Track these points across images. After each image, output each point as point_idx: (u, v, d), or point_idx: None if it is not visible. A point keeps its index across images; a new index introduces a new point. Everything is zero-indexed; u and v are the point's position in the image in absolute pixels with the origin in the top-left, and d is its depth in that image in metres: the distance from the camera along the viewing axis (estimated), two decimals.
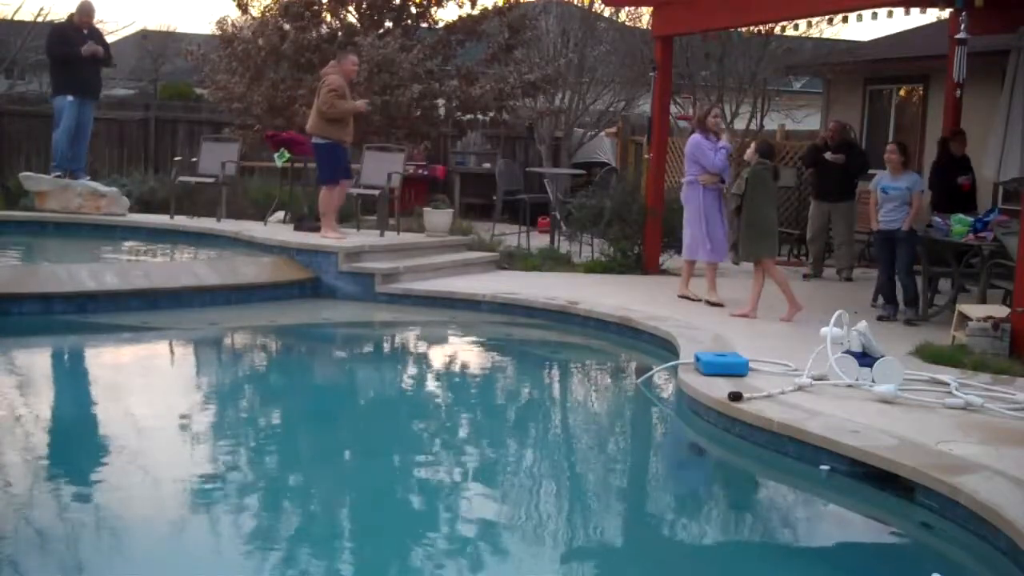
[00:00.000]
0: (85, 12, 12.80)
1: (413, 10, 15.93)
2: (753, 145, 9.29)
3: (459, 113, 15.73)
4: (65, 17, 13.58)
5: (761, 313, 9.38)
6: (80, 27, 12.79)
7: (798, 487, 5.82)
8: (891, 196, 9.09)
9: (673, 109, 14.39)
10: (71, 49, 12.48)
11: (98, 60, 12.74)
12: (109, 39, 13.80)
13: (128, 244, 11.99)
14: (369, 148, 12.38)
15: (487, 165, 17.26)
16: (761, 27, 14.65)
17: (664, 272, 11.85)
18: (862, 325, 6.81)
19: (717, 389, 6.46)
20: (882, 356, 6.65)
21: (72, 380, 7.90)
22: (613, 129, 18.68)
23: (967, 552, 4.68)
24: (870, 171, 12.60)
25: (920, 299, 9.17)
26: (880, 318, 8.90)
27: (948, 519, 4.85)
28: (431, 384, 8.18)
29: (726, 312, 9.35)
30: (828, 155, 11.72)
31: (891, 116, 15.16)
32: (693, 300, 9.80)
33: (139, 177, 15.06)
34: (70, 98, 12.60)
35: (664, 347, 8.20)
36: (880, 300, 9.43)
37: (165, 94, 21.94)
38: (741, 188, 9.06)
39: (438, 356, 9.29)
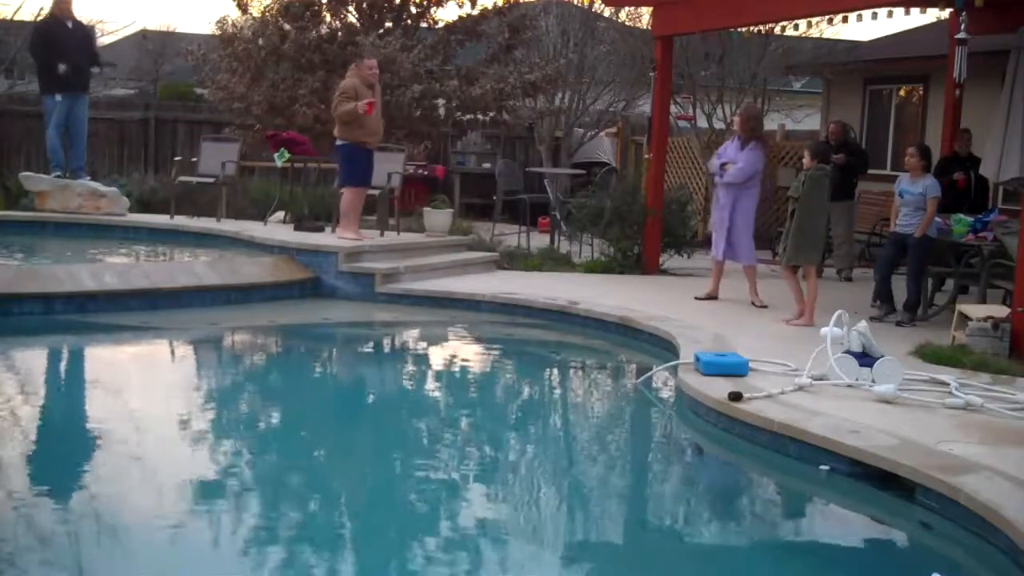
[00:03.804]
0: (62, 3, 12.63)
1: (413, 10, 15.95)
2: (807, 151, 9.01)
3: (459, 113, 15.73)
4: (47, 13, 13.39)
5: (765, 313, 9.40)
6: (62, 20, 12.64)
7: (798, 487, 5.83)
8: (907, 200, 9.00)
9: (673, 109, 14.38)
10: (49, 56, 12.37)
11: (83, 57, 12.63)
12: (109, 39, 13.79)
13: (128, 244, 11.98)
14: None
15: (487, 165, 17.27)
16: (761, 27, 14.65)
17: (664, 272, 11.86)
18: (862, 325, 6.81)
19: (717, 389, 6.46)
20: (882, 356, 6.65)
21: (72, 380, 7.89)
22: (613, 129, 18.69)
23: (967, 552, 4.69)
24: (870, 171, 12.66)
25: (920, 305, 9.14)
26: (872, 318, 8.84)
27: (948, 519, 4.85)
28: (431, 384, 8.18)
29: (735, 313, 9.35)
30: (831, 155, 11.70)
31: (891, 116, 15.17)
32: (758, 307, 9.67)
33: (139, 177, 15.05)
34: (58, 97, 12.55)
35: (664, 347, 8.20)
36: (878, 300, 9.41)
37: (165, 94, 21.95)
38: (799, 191, 8.84)
39: (438, 356, 9.29)
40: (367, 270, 10.49)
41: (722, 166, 9.94)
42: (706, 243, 14.08)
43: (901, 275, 9.21)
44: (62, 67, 12.33)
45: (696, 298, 9.96)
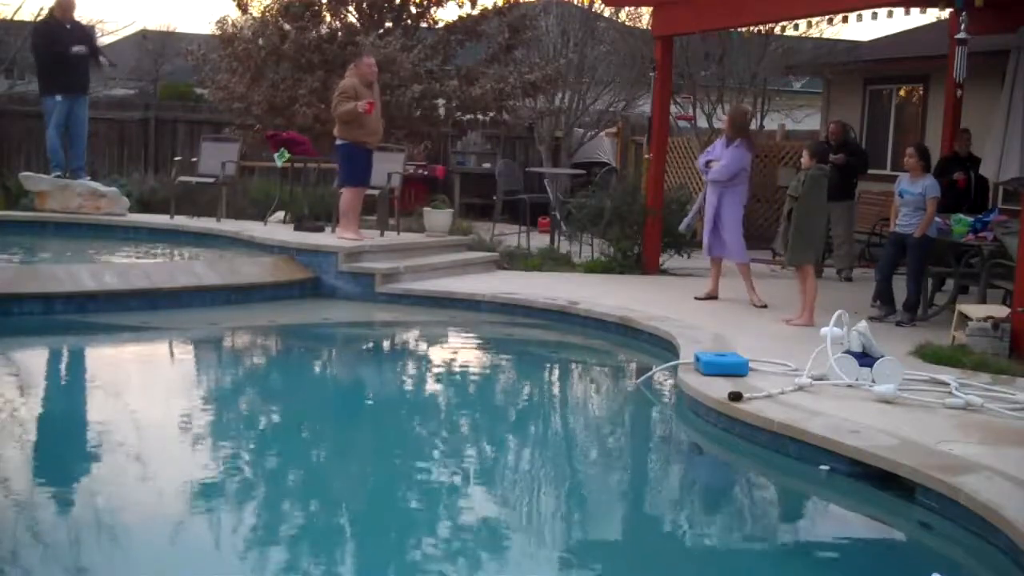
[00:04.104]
0: (65, 7, 12.65)
1: (413, 10, 15.95)
2: (806, 151, 9.06)
3: (459, 113, 15.73)
4: (46, 13, 13.41)
5: (765, 313, 9.40)
6: (63, 22, 12.67)
7: (798, 487, 5.82)
8: (906, 200, 8.99)
9: (673, 109, 14.38)
10: (59, 48, 12.39)
11: (84, 57, 12.63)
12: (109, 39, 13.79)
13: (128, 244, 11.98)
14: None
15: (487, 165, 17.26)
16: (761, 27, 14.66)
17: (664, 272, 11.86)
18: (862, 325, 6.81)
19: (717, 389, 6.46)
20: (882, 356, 6.65)
21: (72, 380, 7.89)
22: (613, 129, 18.69)
23: (967, 552, 4.69)
24: (870, 171, 12.66)
25: (920, 304, 9.13)
26: (871, 318, 8.82)
27: (948, 519, 4.85)
28: (431, 384, 8.17)
29: (735, 313, 9.35)
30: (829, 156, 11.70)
31: (891, 116, 15.18)
32: (758, 307, 9.66)
33: (139, 177, 15.05)
34: (59, 97, 12.54)
35: (664, 347, 8.20)
36: (878, 300, 9.41)
37: (165, 94, 21.95)
38: (798, 191, 8.86)
39: (438, 356, 9.29)
40: (367, 270, 10.49)
41: (707, 164, 10.01)
42: None
43: (901, 275, 9.21)
44: (76, 48, 12.32)
45: (696, 298, 9.96)
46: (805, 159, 9.00)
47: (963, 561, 4.70)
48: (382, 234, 11.62)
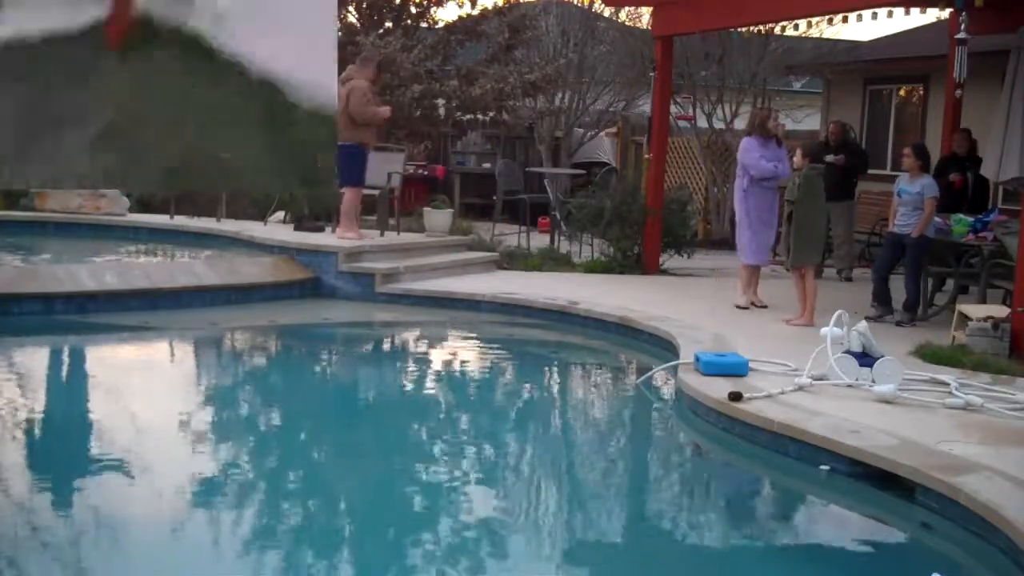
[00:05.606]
0: None
1: (413, 10, 15.95)
2: (800, 150, 9.03)
3: (459, 113, 15.73)
4: None
5: (765, 313, 9.39)
6: None
7: (798, 487, 5.82)
8: (904, 200, 8.99)
9: (673, 109, 14.38)
10: None
11: None
12: None
13: (128, 244, 11.98)
14: None
15: (487, 165, 17.27)
16: (761, 27, 14.66)
17: (664, 272, 11.86)
18: (862, 325, 6.81)
19: (717, 389, 6.46)
20: (882, 356, 6.65)
21: (72, 380, 7.88)
22: (613, 129, 18.69)
23: (967, 552, 4.69)
24: (870, 171, 12.65)
25: (920, 304, 9.12)
26: (868, 318, 8.77)
27: (948, 519, 4.85)
28: (431, 385, 8.17)
29: (735, 313, 9.34)
30: (829, 156, 11.69)
31: (891, 116, 15.17)
32: (758, 307, 9.61)
33: None
34: None
35: (664, 347, 8.20)
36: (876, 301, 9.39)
37: None
38: (795, 194, 8.86)
39: (438, 356, 9.29)
40: (367, 270, 10.48)
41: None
42: (707, 243, 14.13)
43: (901, 275, 9.20)
44: None
45: (737, 306, 9.62)
46: (798, 159, 8.99)
47: (963, 561, 4.70)
48: (382, 234, 11.61)
